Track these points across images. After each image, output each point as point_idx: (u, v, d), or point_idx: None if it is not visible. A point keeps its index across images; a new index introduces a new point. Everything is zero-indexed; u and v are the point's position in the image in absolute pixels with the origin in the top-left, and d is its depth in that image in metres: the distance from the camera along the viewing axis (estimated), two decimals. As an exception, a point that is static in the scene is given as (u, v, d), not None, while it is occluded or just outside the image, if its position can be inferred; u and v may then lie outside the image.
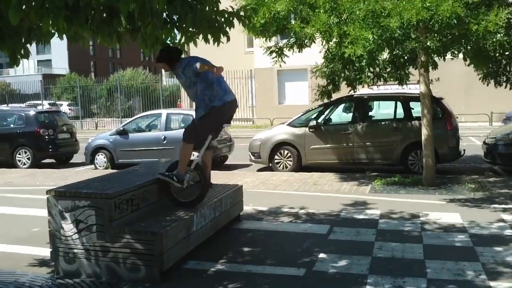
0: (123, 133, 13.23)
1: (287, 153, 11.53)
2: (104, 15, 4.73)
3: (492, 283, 4.55)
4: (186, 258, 5.32)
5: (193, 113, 12.93)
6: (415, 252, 5.49)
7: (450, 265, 5.03)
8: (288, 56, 10.60)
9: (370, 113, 12.14)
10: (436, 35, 8.00)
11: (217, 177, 10.11)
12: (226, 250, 5.77)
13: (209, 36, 5.18)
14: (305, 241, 5.97)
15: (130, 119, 14.39)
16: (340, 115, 12.36)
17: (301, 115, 12.05)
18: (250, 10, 5.39)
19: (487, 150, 10.91)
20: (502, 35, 8.10)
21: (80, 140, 15.97)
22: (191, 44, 5.37)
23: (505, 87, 9.67)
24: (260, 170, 12.07)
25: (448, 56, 9.16)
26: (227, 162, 13.65)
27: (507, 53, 9.29)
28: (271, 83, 28.71)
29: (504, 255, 5.30)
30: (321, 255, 5.44)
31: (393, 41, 8.23)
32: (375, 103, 12.95)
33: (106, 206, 4.77)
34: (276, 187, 9.51)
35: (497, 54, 9.10)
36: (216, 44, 5.25)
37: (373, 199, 8.23)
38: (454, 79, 22.64)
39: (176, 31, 5.37)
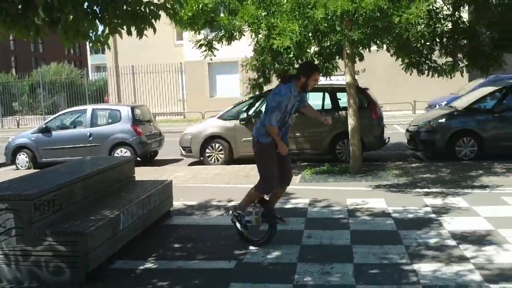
0: (45, 130, 12.66)
1: (219, 146, 11.49)
2: (20, 6, 4.45)
3: (414, 265, 4.74)
4: (114, 258, 5.16)
5: (120, 108, 12.77)
6: (343, 238, 5.63)
7: (376, 249, 5.20)
8: (218, 49, 10.54)
9: (299, 105, 12.30)
10: (360, 27, 8.21)
11: (147, 173, 9.91)
12: (156, 247, 5.66)
13: (133, 28, 5.01)
14: (236, 234, 5.95)
15: (53, 116, 13.78)
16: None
17: (232, 108, 12.03)
18: (176, 2, 5.26)
19: (410, 137, 11.40)
20: (423, 26, 8.46)
21: (0, 139, 15.12)
22: (117, 36, 5.17)
23: (427, 75, 10.13)
24: (191, 164, 11.95)
25: (373, 47, 9.47)
26: (157, 157, 13.42)
27: (428, 43, 9.75)
28: (202, 76, 28.49)
29: (426, 238, 5.55)
30: (252, 247, 5.46)
31: (319, 33, 8.39)
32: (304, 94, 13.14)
33: (25, 208, 4.52)
34: (208, 181, 9.45)
35: (419, 45, 9.52)
36: (139, 37, 5.08)
37: (303, 188, 8.37)
38: (379, 70, 23.43)
39: (98, 22, 5.15)
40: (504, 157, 10.26)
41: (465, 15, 10.22)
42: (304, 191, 8.14)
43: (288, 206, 7.28)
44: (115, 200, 5.78)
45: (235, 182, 9.19)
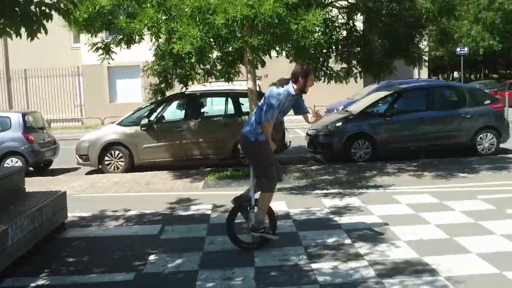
0: None
1: (118, 154, 11.09)
2: None
3: (313, 265, 4.86)
4: (3, 276, 4.76)
5: (10, 114, 11.87)
6: (245, 243, 5.65)
7: (276, 251, 5.27)
8: (116, 53, 10.21)
9: (202, 110, 12.28)
10: (260, 33, 8.33)
11: (40, 184, 9.34)
12: (49, 262, 5.31)
13: (23, 30, 4.66)
14: (136, 244, 5.77)
15: None
16: (173, 113, 12.27)
17: (132, 114, 11.70)
18: (70, 2, 4.97)
19: (310, 141, 11.78)
20: (319, 34, 8.77)
21: None
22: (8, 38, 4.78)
23: (323, 81, 10.51)
24: (89, 173, 11.41)
25: (273, 53, 9.67)
26: (52, 167, 12.66)
27: (324, 50, 10.12)
28: (101, 81, 27.42)
29: (324, 237, 5.72)
30: (152, 257, 5.30)
31: (220, 39, 8.41)
32: (208, 99, 13.15)
33: None
34: (106, 190, 9.08)
35: (316, 52, 9.85)
36: (30, 39, 4.73)
37: (206, 194, 8.31)
38: (282, 75, 23.89)
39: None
40: (395, 158, 10.92)
41: (359, 24, 10.76)
42: (207, 196, 8.08)
43: (190, 212, 7.19)
44: (3, 214, 5.34)
45: (136, 190, 8.92)
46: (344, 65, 10.69)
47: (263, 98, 5.44)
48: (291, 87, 5.33)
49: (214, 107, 13.04)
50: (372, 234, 5.80)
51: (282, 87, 5.31)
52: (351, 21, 10.40)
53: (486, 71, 60.61)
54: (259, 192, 5.43)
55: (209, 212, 7.12)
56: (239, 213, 5.53)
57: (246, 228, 5.56)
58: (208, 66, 10.18)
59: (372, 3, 9.55)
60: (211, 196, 8.08)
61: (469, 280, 4.37)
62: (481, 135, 11.43)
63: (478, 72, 62.11)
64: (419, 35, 10.40)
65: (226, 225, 5.46)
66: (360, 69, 10.64)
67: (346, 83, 10.76)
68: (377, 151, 11.08)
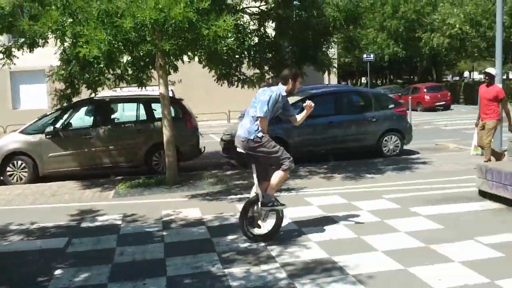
0: None
1: (21, 164, 10.44)
2: None
3: (226, 270, 4.85)
4: None
5: None
6: (156, 252, 5.52)
7: (189, 259, 5.20)
8: (18, 57, 9.67)
9: (112, 116, 11.89)
10: (171, 38, 8.21)
11: None
12: None
13: None
14: (40, 259, 5.44)
15: None
16: (81, 119, 11.76)
17: (37, 121, 11.07)
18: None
19: (224, 146, 11.78)
20: (233, 39, 8.79)
21: None
22: None
23: (236, 86, 10.57)
24: (-11, 185, 10.65)
25: (186, 58, 9.57)
26: None
27: (237, 56, 10.16)
28: (3, 86, 25.81)
29: (237, 242, 5.73)
30: (58, 271, 5.02)
31: (130, 43, 8.18)
32: (118, 105, 12.78)
33: None
34: (8, 203, 8.50)
35: (228, 57, 9.87)
36: None
37: (117, 203, 8.04)
38: (196, 80, 23.83)
39: None
40: (308, 160, 11.21)
41: (270, 31, 10.94)
42: (117, 206, 7.82)
43: (99, 223, 6.91)
44: None
45: (41, 202, 8.44)
46: (257, 71, 10.82)
47: (253, 99, 5.70)
48: (282, 88, 5.66)
49: (125, 113, 12.68)
50: (284, 237, 5.88)
51: (274, 87, 5.68)
52: (262, 28, 10.53)
53: (391, 76, 64.20)
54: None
55: (119, 222, 6.88)
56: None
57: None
58: (118, 71, 9.89)
59: (282, 10, 9.74)
60: (122, 206, 7.82)
61: (376, 276, 4.56)
62: (386, 138, 12.03)
63: (384, 77, 65.62)
64: (327, 42, 10.75)
65: (240, 220, 5.77)
66: (272, 75, 10.81)
67: (259, 88, 10.89)
68: (290, 154, 11.27)
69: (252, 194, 5.79)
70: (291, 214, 6.85)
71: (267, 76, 10.78)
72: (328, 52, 11.24)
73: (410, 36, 38.60)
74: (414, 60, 47.24)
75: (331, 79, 27.43)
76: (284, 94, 5.65)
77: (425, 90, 30.22)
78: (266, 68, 10.79)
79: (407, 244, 5.46)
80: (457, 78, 61.98)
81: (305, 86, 16.91)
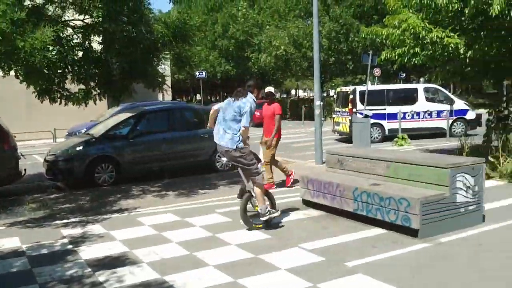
0: None
1: None
2: None
3: (47, 304, 4.43)
4: None
5: None
6: (-37, 291, 4.84)
7: (3, 296, 4.66)
8: None
9: None
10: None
11: None
12: None
13: None
14: None
15: None
16: None
17: None
18: None
19: (48, 167, 10.91)
20: (54, 53, 8.20)
21: None
22: None
23: (59, 103, 9.89)
24: None
25: (0, 73, 8.70)
26: None
27: (59, 70, 9.54)
28: None
29: (61, 271, 5.29)
30: None
31: None
32: None
33: None
34: None
35: (50, 72, 9.20)
36: None
37: None
38: (16, 96, 21.87)
39: None
40: (140, 179, 10.93)
41: (96, 45, 10.47)
42: None
43: None
44: None
45: None
46: (82, 87, 10.27)
47: (227, 110, 6.42)
48: (253, 97, 6.47)
49: None
50: (114, 261, 5.60)
51: (250, 96, 6.45)
52: (87, 42, 10.06)
53: (225, 93, 66.37)
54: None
55: None
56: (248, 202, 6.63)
57: (252, 211, 6.69)
58: None
59: (108, 24, 9.41)
60: None
61: (206, 292, 4.56)
62: (219, 153, 12.29)
63: (218, 94, 67.55)
64: (156, 58, 10.68)
65: (241, 212, 6.61)
66: (99, 91, 10.36)
67: (86, 105, 10.36)
68: (122, 173, 10.93)
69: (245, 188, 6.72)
70: (123, 236, 6.60)
71: (94, 92, 10.29)
72: (159, 68, 11.16)
73: (240, 55, 40.35)
74: (245, 78, 49.50)
75: (164, 95, 27.31)
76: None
77: (255, 106, 31.75)
78: (93, 84, 10.30)
79: (238, 256, 5.58)
80: (285, 95, 66.60)
81: (139, 103, 16.63)
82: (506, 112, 10.26)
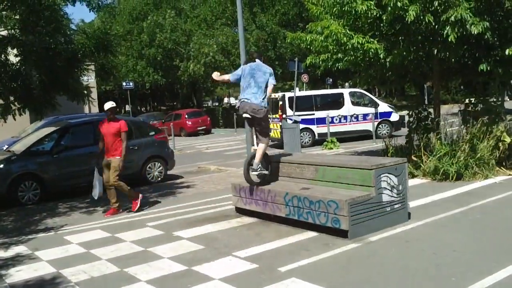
0: None
1: None
2: None
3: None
4: None
5: None
6: None
7: None
8: None
9: None
10: None
11: None
12: None
13: None
14: None
15: None
16: None
17: None
18: None
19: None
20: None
21: None
22: None
23: None
24: None
25: None
26: None
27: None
28: None
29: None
30: None
31: None
32: None
33: None
34: None
35: None
36: None
37: None
38: None
39: None
40: (68, 195, 10.51)
41: (13, 58, 9.98)
42: None
43: None
44: None
45: None
46: (1, 101, 9.75)
47: (256, 74, 7.17)
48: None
49: None
50: (41, 282, 5.35)
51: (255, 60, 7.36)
52: (3, 55, 9.56)
53: (155, 103, 65.35)
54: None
55: None
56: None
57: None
58: None
59: (25, 36, 8.98)
60: None
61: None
62: (149, 165, 12.07)
63: (147, 104, 66.39)
64: (78, 69, 10.32)
65: (244, 170, 7.35)
66: (19, 105, 9.87)
67: (5, 121, 9.84)
68: (48, 191, 10.46)
69: (252, 150, 7.52)
70: (49, 256, 6.32)
71: (13, 107, 9.79)
72: (82, 79, 10.79)
73: (169, 64, 39.92)
74: (175, 87, 48.97)
75: (91, 107, 26.47)
76: None
77: (186, 116, 31.45)
78: (12, 98, 9.80)
79: (171, 269, 5.47)
80: (217, 103, 66.51)
81: (63, 116, 15.97)
82: (425, 113, 10.77)
